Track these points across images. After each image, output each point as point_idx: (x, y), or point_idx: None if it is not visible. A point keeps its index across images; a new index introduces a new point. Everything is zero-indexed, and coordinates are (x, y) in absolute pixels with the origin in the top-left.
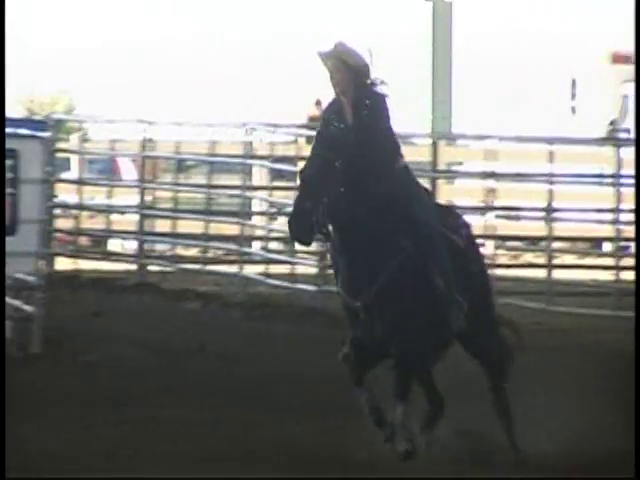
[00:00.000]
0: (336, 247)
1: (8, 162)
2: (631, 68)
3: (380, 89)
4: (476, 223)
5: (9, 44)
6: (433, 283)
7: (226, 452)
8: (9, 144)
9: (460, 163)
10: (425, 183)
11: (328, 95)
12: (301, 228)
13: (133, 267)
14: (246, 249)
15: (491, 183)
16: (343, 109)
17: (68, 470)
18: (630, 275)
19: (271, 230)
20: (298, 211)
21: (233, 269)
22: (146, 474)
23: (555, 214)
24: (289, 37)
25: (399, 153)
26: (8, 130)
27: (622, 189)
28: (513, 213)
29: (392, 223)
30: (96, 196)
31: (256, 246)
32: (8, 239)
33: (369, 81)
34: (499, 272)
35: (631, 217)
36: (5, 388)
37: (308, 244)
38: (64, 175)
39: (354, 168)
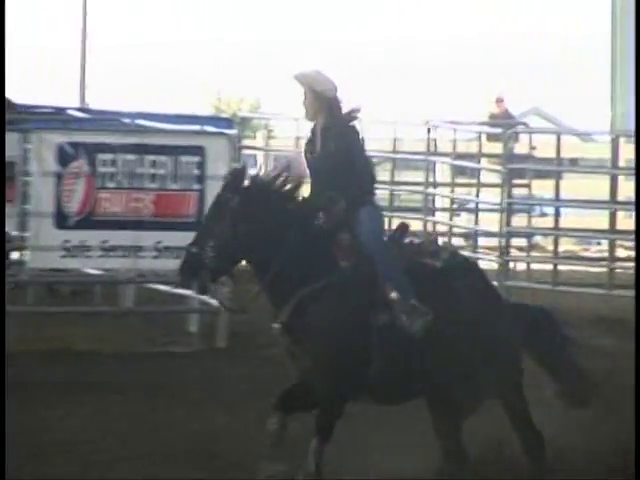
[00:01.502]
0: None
1: (195, 159)
2: None
3: (352, 121)
4: None
5: (198, 45)
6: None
7: None
8: (197, 141)
9: None
10: (605, 180)
11: (510, 93)
12: (184, 275)
13: None
14: None
15: None
16: (316, 138)
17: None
18: None
19: (453, 226)
20: (184, 257)
21: None
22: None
23: None
24: (469, 37)
25: (366, 188)
26: (195, 127)
27: None
28: None
29: (318, 257)
30: None
31: (439, 241)
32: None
33: (340, 112)
34: None
35: None
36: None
37: (202, 292)
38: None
39: (311, 199)
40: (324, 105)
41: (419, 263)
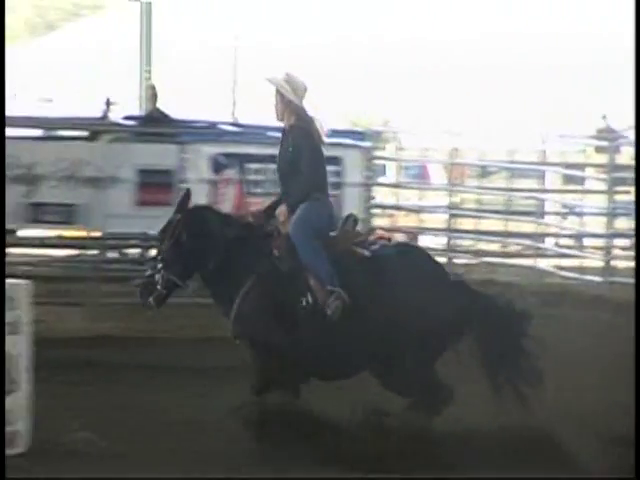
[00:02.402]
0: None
1: (333, 168)
2: None
3: (311, 124)
4: None
5: (331, 66)
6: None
7: None
8: (334, 152)
9: None
10: None
11: (615, 111)
12: (141, 296)
13: (442, 260)
14: (540, 245)
15: None
16: (283, 138)
17: None
18: None
19: (562, 228)
20: (142, 281)
21: (529, 262)
22: None
23: None
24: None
25: (313, 186)
26: (333, 140)
27: None
28: None
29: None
30: (410, 198)
31: (549, 242)
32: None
33: (304, 114)
34: None
35: None
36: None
37: (158, 306)
38: (381, 179)
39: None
40: (289, 107)
41: (350, 252)
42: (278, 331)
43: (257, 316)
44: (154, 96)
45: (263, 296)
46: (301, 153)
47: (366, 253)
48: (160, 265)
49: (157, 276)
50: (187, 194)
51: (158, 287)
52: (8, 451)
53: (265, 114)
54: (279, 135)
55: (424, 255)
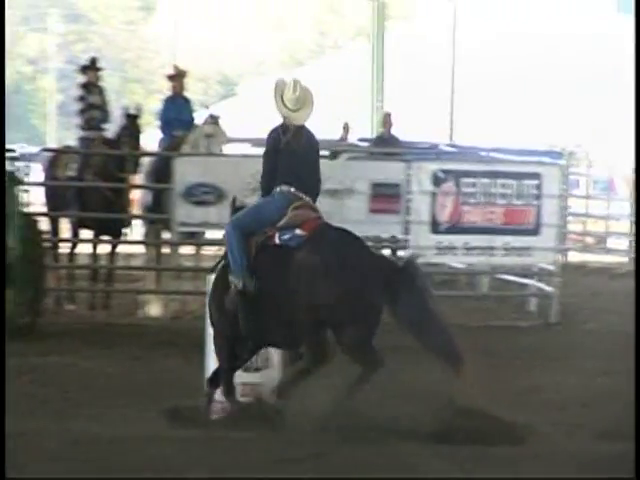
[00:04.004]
0: None
1: (534, 182)
2: None
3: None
4: None
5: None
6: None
7: None
8: (536, 169)
9: None
10: None
11: None
12: None
13: (625, 259)
14: None
15: None
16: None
17: None
18: None
19: None
20: None
21: None
22: None
23: None
24: None
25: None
26: (534, 159)
27: None
28: None
29: None
30: (597, 207)
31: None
32: (533, 238)
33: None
34: None
35: None
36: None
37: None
38: (575, 192)
39: None
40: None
41: (268, 243)
42: (223, 312)
43: (211, 298)
44: (389, 122)
45: (215, 281)
46: (266, 152)
47: (276, 242)
48: None
49: None
50: (233, 200)
51: None
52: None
53: (477, 135)
54: (487, 154)
55: (333, 243)
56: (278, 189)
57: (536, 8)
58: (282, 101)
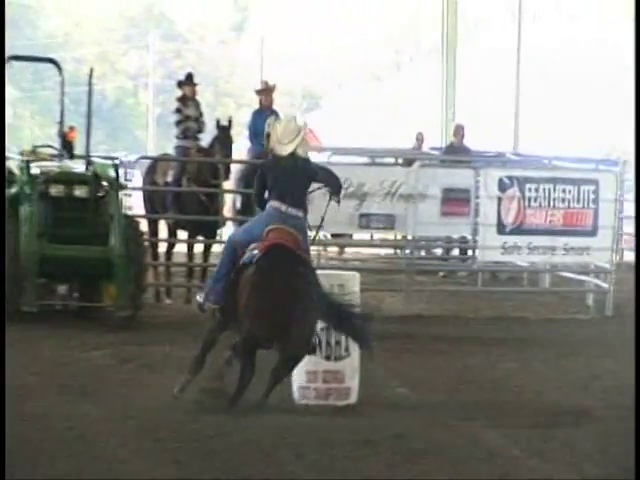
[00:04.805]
0: None
1: (592, 187)
2: None
3: None
4: None
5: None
6: None
7: None
8: (594, 176)
9: None
10: None
11: None
12: None
13: None
14: None
15: None
16: None
17: None
18: None
19: None
20: None
21: None
22: None
23: None
24: None
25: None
26: (591, 166)
27: None
28: None
29: None
30: None
31: None
32: (591, 239)
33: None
34: None
35: None
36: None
37: None
38: (628, 196)
39: None
40: None
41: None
42: None
43: None
44: (461, 133)
45: None
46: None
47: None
48: None
49: None
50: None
51: None
52: (341, 402)
53: (540, 143)
54: (548, 162)
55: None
56: (269, 205)
57: (598, 16)
58: (273, 137)
